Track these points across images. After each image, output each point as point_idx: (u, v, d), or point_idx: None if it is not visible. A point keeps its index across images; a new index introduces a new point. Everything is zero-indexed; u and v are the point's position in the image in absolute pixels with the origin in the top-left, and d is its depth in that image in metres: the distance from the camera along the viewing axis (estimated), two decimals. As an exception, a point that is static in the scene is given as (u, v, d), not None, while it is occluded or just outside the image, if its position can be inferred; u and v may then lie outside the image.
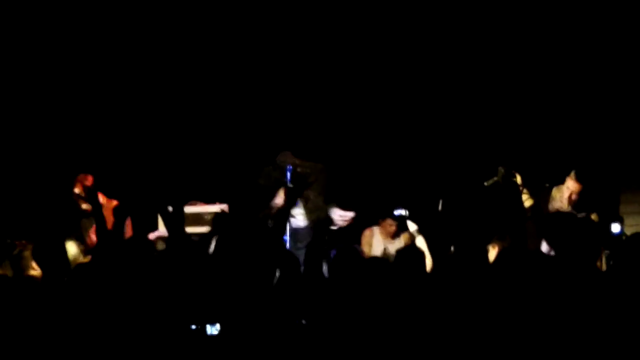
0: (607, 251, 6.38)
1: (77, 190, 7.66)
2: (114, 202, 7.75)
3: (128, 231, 7.57)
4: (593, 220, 6.22)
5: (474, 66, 9.00)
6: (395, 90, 9.25)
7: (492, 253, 5.89)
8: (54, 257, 5.14)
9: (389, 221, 7.98)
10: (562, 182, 7.37)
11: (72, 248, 5.85)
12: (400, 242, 8.03)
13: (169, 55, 9.14)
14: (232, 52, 9.18)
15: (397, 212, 7.12)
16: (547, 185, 7.31)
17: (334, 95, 9.30)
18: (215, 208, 7.74)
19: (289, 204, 6.02)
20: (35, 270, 5.62)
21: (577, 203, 7.19)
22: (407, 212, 7.15)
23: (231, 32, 9.13)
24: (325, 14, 9.06)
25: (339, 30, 9.09)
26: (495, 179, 7.37)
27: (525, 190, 7.26)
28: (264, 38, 9.14)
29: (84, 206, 7.58)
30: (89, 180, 7.66)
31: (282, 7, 9.04)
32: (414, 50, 9.11)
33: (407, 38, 9.09)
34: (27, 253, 5.75)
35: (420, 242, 7.21)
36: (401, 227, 7.98)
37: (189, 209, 7.57)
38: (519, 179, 7.30)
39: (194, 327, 4.47)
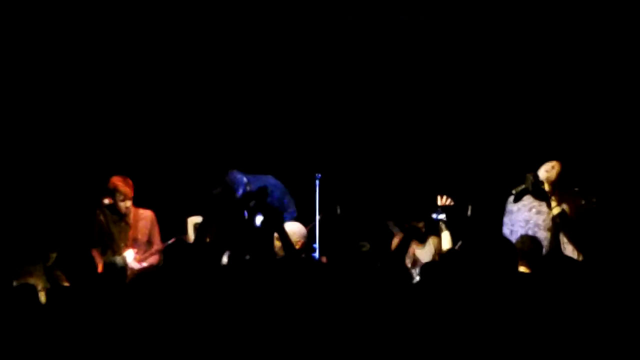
0: None
1: (106, 201, 7.57)
2: (140, 210, 7.70)
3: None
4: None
5: (503, 73, 8.97)
6: (424, 96, 9.24)
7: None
8: (80, 267, 5.17)
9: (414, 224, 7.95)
10: (589, 186, 7.34)
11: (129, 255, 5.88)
12: (430, 247, 8.02)
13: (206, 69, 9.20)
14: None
15: (435, 216, 7.07)
16: (576, 189, 7.27)
17: (362, 99, 9.31)
18: None
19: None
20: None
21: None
22: (445, 217, 7.10)
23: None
24: (322, 17, 9.08)
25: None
26: (524, 186, 7.32)
27: (553, 198, 7.22)
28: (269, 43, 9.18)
29: (122, 206, 7.48)
30: (129, 185, 7.54)
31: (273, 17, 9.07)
32: (443, 54, 9.11)
33: (436, 42, 9.10)
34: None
35: (446, 237, 7.16)
36: (429, 230, 7.96)
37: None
38: (547, 187, 7.27)
39: None
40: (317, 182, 7.67)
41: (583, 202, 7.20)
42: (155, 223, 7.64)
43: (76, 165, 8.91)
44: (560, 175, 7.25)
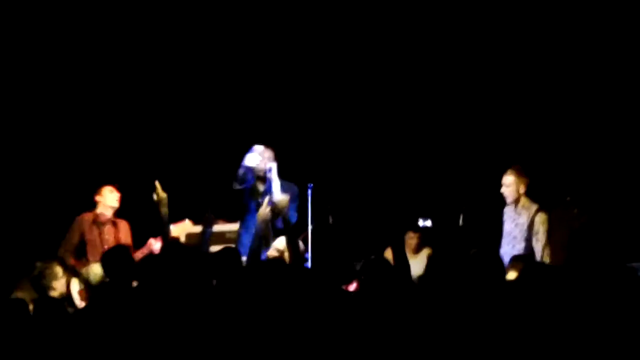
0: None
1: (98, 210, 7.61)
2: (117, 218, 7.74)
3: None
4: None
5: (495, 82, 8.98)
6: (415, 106, 9.24)
7: (512, 274, 5.84)
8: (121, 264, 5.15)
9: (410, 234, 7.93)
10: (582, 195, 7.30)
11: (98, 269, 5.84)
12: (422, 258, 7.99)
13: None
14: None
15: (421, 223, 7.06)
16: (569, 198, 7.23)
17: (354, 109, 9.32)
18: (237, 226, 7.72)
19: None
20: (55, 291, 5.66)
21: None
22: (431, 223, 7.08)
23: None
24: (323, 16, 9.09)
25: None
26: None
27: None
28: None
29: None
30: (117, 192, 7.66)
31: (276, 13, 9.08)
32: (431, 64, 9.12)
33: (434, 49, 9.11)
34: (48, 272, 5.78)
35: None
36: (423, 241, 7.94)
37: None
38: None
39: None
40: (310, 191, 7.66)
41: (576, 210, 7.18)
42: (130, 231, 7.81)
43: (57, 174, 8.95)
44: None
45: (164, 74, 9.27)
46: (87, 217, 7.68)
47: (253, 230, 7.18)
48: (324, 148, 9.25)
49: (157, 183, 6.54)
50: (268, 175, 7.34)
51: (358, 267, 5.84)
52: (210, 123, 9.39)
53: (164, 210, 6.51)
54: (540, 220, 7.14)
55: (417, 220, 7.08)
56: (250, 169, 7.46)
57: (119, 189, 7.76)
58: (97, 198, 7.71)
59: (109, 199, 7.70)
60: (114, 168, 8.86)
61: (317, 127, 9.30)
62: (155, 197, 6.54)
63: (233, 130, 9.19)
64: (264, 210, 6.65)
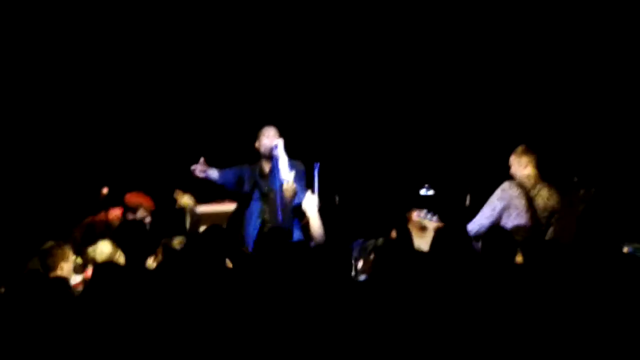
0: None
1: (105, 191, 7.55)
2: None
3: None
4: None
5: (503, 61, 8.97)
6: (422, 84, 9.24)
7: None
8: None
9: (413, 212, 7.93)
10: (588, 176, 7.30)
11: (106, 248, 5.84)
12: (429, 236, 7.99)
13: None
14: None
15: (423, 192, 7.03)
16: (576, 179, 7.22)
17: (361, 88, 9.31)
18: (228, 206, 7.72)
19: None
20: (62, 271, 5.65)
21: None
22: (433, 192, 7.06)
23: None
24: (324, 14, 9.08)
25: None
26: None
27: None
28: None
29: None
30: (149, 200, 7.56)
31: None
32: (440, 43, 9.10)
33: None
34: (58, 251, 5.78)
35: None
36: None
37: (210, 208, 7.56)
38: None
39: None
40: (316, 171, 7.64)
41: (582, 192, 7.17)
42: None
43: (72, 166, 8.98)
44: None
45: (167, 62, 9.29)
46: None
47: (257, 218, 7.20)
48: (331, 126, 9.25)
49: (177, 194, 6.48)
50: (274, 152, 7.26)
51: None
52: (214, 103, 9.39)
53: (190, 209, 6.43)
54: (499, 187, 7.02)
55: (419, 190, 7.03)
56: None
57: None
58: (148, 209, 7.52)
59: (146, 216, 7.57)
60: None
61: (324, 106, 9.30)
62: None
63: (238, 109, 9.20)
64: (291, 185, 6.66)
